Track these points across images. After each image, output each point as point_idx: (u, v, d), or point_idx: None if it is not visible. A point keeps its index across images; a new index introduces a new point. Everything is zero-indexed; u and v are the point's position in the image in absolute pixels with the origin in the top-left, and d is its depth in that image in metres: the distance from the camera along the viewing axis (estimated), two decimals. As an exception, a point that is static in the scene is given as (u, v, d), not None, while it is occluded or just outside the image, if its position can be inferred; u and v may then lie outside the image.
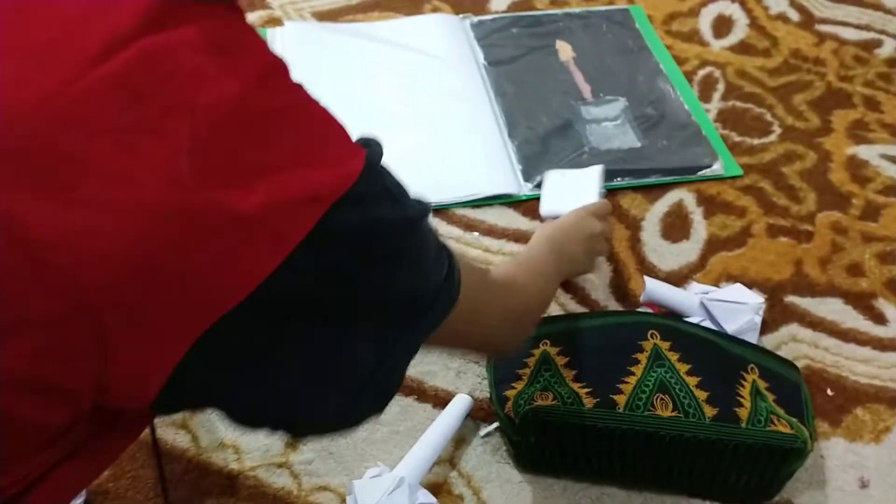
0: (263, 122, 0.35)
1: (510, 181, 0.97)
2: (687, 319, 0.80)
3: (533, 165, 0.99)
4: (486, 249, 0.91)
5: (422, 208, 0.42)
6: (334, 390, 0.40)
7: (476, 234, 0.93)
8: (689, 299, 0.82)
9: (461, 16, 1.22)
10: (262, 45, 0.37)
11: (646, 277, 0.84)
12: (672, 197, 0.99)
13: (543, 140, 1.02)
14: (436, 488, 0.71)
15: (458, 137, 1.02)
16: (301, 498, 0.71)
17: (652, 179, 0.99)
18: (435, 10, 1.24)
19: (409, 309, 0.42)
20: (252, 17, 1.19)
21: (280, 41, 1.13)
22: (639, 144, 1.03)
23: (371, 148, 0.39)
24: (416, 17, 1.21)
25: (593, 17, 1.23)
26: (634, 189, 0.99)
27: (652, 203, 0.98)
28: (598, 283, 0.88)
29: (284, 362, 0.38)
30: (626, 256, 0.92)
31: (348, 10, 1.23)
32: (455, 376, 0.79)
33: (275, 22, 1.19)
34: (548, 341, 0.74)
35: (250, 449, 0.73)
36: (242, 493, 0.70)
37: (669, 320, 0.76)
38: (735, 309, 0.80)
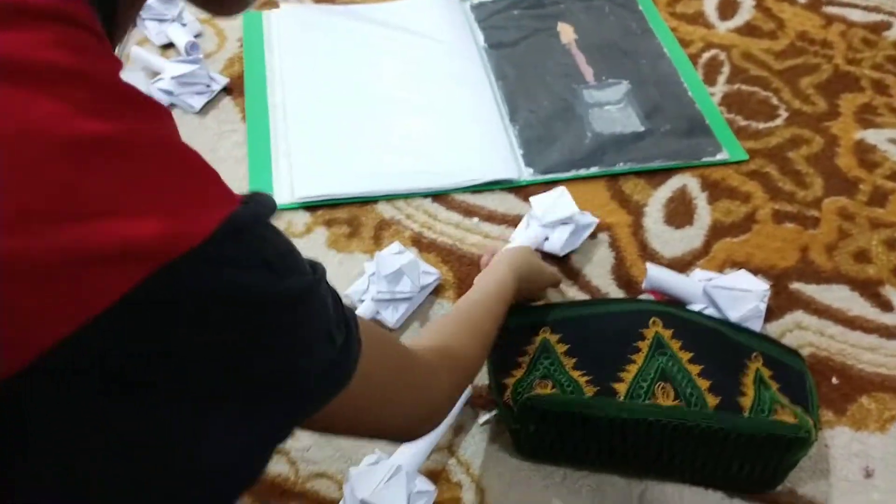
0: (81, 154, 0.28)
1: (510, 166, 0.95)
2: (690, 307, 0.79)
3: (534, 150, 0.97)
4: (486, 235, 0.90)
5: (308, 281, 0.36)
6: (188, 478, 0.35)
7: (476, 219, 0.91)
8: (693, 286, 0.81)
9: (462, -3, 1.20)
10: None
11: (648, 264, 0.82)
12: (675, 182, 0.97)
13: (545, 124, 1.00)
14: (434, 475, 0.70)
15: (458, 122, 1.00)
16: (298, 485, 0.70)
17: (655, 164, 0.97)
18: (435, -9, 1.21)
19: (283, 388, 0.36)
20: None
21: (276, 24, 1.11)
22: (642, 128, 1.01)
23: (249, 205, 0.33)
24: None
25: (596, -2, 1.21)
26: (637, 174, 0.97)
27: (655, 188, 0.96)
28: (600, 271, 0.87)
29: (102, 448, 0.32)
30: (628, 243, 0.90)
31: (346, -8, 1.21)
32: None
33: (271, 4, 1.17)
34: (548, 328, 0.72)
35: None
36: None
37: (672, 308, 0.75)
38: (739, 296, 0.78)
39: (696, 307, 0.79)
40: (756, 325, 0.79)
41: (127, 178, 0.29)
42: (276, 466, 0.70)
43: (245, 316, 0.32)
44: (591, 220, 0.87)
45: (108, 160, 0.29)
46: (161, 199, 0.30)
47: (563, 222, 0.85)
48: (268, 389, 0.35)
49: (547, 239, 0.85)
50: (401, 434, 0.52)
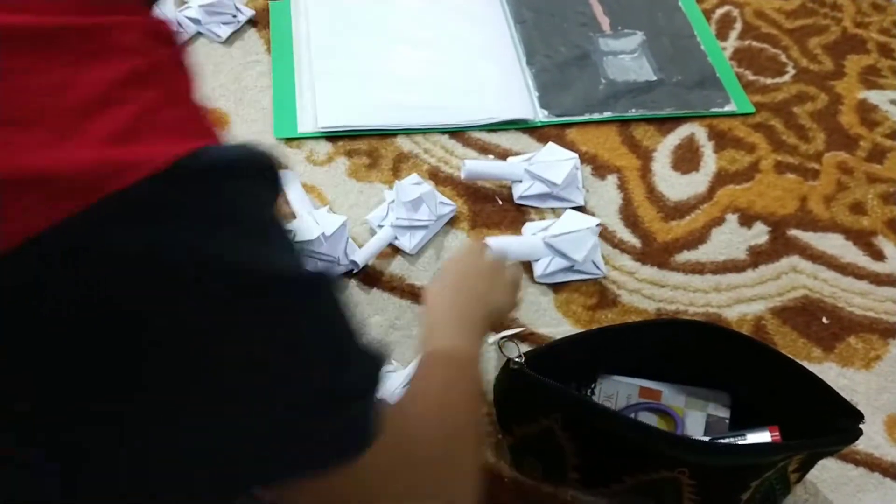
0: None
1: (526, 107, 0.98)
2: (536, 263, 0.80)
3: (550, 93, 1.00)
4: (501, 172, 0.93)
5: (320, 275, 0.29)
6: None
7: (491, 157, 0.94)
8: (533, 243, 0.82)
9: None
10: None
11: (490, 239, 0.80)
12: (684, 130, 1.00)
13: (561, 69, 1.03)
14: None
15: (476, 62, 1.03)
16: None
17: (665, 112, 1.00)
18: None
19: (315, 403, 0.28)
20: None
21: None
22: (654, 78, 1.04)
23: (227, 150, 0.26)
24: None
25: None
26: (647, 121, 1.00)
27: (664, 135, 0.99)
28: (608, 210, 0.91)
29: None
30: (636, 185, 0.94)
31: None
32: (467, 288, 0.82)
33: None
34: (558, 418, 0.61)
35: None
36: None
37: (708, 457, 0.59)
38: (576, 238, 0.80)
39: (543, 261, 0.80)
40: (597, 257, 0.83)
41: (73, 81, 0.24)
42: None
43: (212, 293, 0.24)
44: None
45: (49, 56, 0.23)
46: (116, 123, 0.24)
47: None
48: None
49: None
50: None
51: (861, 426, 0.60)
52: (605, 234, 0.88)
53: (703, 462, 0.58)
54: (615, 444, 0.61)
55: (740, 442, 0.62)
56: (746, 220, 0.92)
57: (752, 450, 0.60)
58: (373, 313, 0.79)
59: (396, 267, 0.83)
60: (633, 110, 1.00)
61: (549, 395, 0.60)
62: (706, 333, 0.67)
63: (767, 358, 0.65)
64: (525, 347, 0.75)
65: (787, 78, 1.09)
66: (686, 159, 0.97)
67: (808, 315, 0.84)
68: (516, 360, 0.60)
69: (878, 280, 0.88)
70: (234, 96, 0.96)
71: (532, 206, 0.89)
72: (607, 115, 0.99)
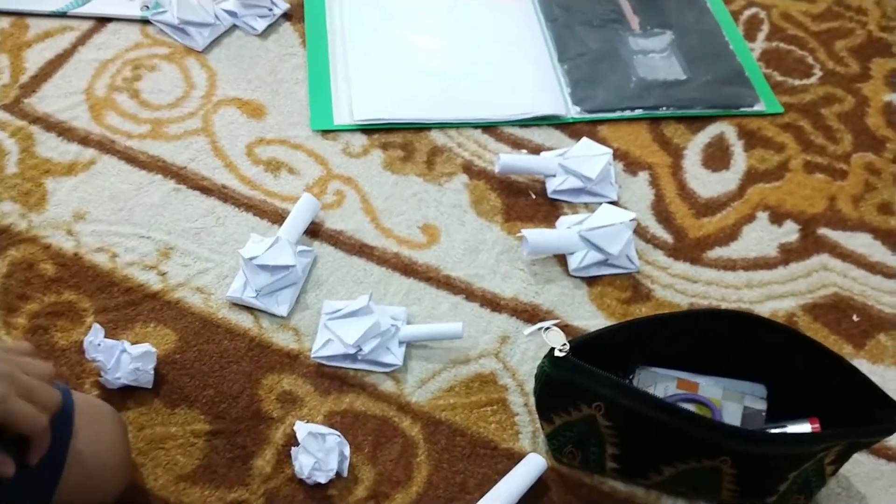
0: None
1: (559, 103, 0.99)
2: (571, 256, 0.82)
3: (581, 89, 1.01)
4: (533, 167, 0.94)
5: None
6: None
7: (524, 151, 0.95)
8: (568, 236, 0.83)
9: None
10: None
11: (525, 231, 0.82)
12: (714, 129, 1.01)
13: (592, 66, 1.04)
14: (483, 378, 0.75)
15: (509, 58, 1.04)
16: (357, 378, 0.75)
17: (696, 111, 1.01)
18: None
19: None
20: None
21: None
22: (684, 77, 1.05)
23: None
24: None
25: (642, -49, 1.23)
26: (678, 119, 1.01)
27: (694, 133, 1.00)
28: (639, 206, 0.92)
29: None
30: (668, 182, 0.95)
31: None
32: (501, 280, 0.83)
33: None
34: (601, 406, 0.63)
35: (310, 332, 0.77)
36: (300, 371, 0.74)
37: (753, 445, 0.60)
38: (611, 232, 0.81)
39: (579, 254, 0.82)
40: (631, 252, 0.84)
41: None
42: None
43: None
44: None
45: None
46: None
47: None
48: None
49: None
50: None
51: (900, 418, 0.61)
52: (637, 230, 0.89)
53: (747, 450, 0.59)
54: (657, 432, 0.62)
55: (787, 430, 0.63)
56: (777, 217, 0.93)
57: (797, 439, 0.61)
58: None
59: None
60: (664, 108, 1.00)
61: (595, 381, 0.60)
62: (743, 322, 0.68)
63: (804, 346, 0.66)
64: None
65: (814, 80, 1.09)
66: (716, 157, 0.98)
67: (838, 312, 0.85)
68: (561, 347, 0.61)
69: (907, 279, 0.89)
70: (271, 88, 0.97)
71: (565, 201, 0.90)
72: (638, 112, 1.00)
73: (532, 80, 1.01)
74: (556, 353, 0.61)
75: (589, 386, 0.61)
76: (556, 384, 0.64)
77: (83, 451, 0.55)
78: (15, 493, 0.51)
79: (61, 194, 0.85)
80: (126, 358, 0.68)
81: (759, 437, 0.61)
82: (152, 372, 0.70)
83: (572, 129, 0.98)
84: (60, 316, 0.75)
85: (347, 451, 0.68)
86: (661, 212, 0.92)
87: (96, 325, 0.69)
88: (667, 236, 0.89)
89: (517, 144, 0.96)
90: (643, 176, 0.95)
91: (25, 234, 0.81)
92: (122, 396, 0.70)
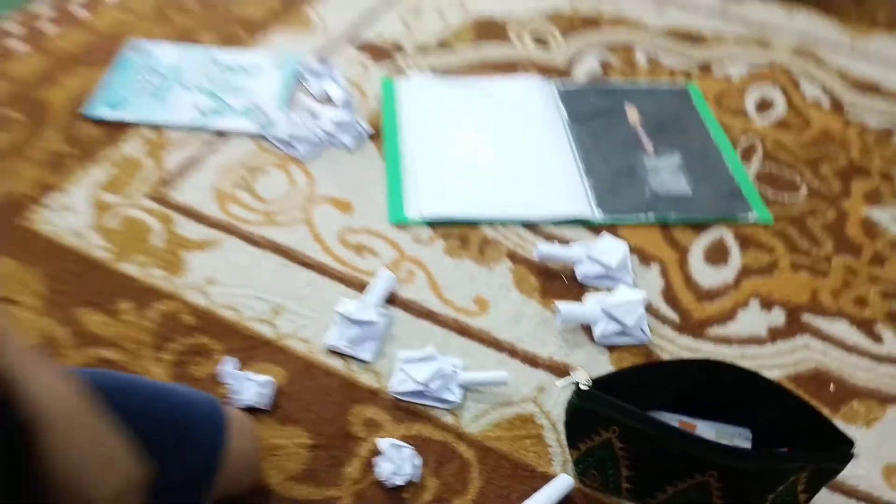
0: None
1: (585, 208, 1.22)
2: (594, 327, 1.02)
3: (605, 198, 1.25)
4: (565, 257, 1.16)
5: None
6: None
7: (557, 243, 1.18)
8: (593, 310, 1.02)
9: (549, 79, 1.50)
10: None
11: (559, 304, 1.03)
12: (714, 233, 1.23)
13: (613, 180, 1.28)
14: (524, 419, 0.94)
15: (546, 172, 1.28)
16: (425, 412, 0.94)
17: (699, 217, 1.24)
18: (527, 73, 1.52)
19: None
20: (383, 70, 1.49)
21: (405, 88, 1.43)
22: (690, 192, 1.28)
23: None
24: (512, 76, 1.50)
25: (657, 91, 1.50)
26: (684, 224, 1.23)
27: (698, 235, 1.22)
28: (652, 292, 1.12)
29: None
30: (675, 273, 1.16)
31: (458, 69, 1.53)
32: (539, 344, 1.03)
33: (400, 73, 1.49)
34: (616, 431, 0.80)
35: (388, 374, 0.97)
36: (381, 404, 0.94)
37: (737, 459, 0.77)
38: (627, 306, 1.02)
39: (601, 325, 1.01)
40: (644, 325, 1.04)
41: None
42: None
43: None
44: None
45: None
46: None
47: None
48: None
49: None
50: None
51: (853, 451, 0.78)
52: (650, 310, 1.09)
53: (730, 465, 0.76)
54: (660, 453, 0.80)
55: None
56: (767, 305, 1.12)
57: (769, 457, 0.78)
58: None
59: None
60: (673, 214, 1.23)
61: (612, 409, 0.79)
62: (726, 370, 0.86)
63: (774, 392, 0.84)
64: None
65: (801, 196, 1.32)
66: (716, 256, 1.19)
67: (818, 382, 1.03)
68: (586, 382, 0.81)
69: (878, 359, 1.07)
70: (357, 190, 1.22)
71: (591, 285, 1.12)
72: (651, 216, 1.22)
73: (565, 189, 1.25)
74: (581, 387, 0.81)
75: (607, 413, 0.80)
76: (582, 414, 0.83)
77: (232, 452, 0.73)
78: (183, 480, 0.67)
79: (196, 264, 1.08)
80: (250, 384, 0.89)
81: (739, 451, 0.79)
82: (271, 397, 0.90)
83: (597, 228, 1.21)
84: (197, 354, 0.97)
85: (419, 462, 0.86)
86: (670, 297, 1.12)
87: (229, 357, 0.91)
88: (674, 316, 1.09)
89: (551, 237, 1.19)
90: (655, 268, 1.16)
91: (170, 292, 1.04)
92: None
